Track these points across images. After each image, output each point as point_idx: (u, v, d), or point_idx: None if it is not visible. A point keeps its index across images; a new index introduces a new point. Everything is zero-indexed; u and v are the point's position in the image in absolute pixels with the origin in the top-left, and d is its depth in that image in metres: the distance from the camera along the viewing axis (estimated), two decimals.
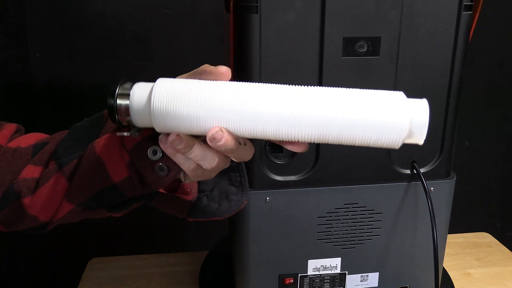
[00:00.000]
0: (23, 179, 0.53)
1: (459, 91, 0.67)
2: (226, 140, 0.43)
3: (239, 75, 0.64)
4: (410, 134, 0.41)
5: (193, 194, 0.56)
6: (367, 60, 0.63)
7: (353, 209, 0.69)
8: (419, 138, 0.42)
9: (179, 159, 0.47)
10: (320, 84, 0.63)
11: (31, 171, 0.54)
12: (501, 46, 1.09)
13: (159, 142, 0.46)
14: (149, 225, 1.16)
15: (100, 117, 0.54)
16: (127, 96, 0.45)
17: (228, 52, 0.65)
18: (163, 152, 0.48)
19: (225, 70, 0.46)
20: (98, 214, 0.57)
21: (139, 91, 0.45)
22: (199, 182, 0.57)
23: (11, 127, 0.59)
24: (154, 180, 0.50)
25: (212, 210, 0.57)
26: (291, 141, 0.44)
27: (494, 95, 1.12)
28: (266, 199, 0.67)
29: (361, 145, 0.42)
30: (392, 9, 0.61)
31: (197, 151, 0.46)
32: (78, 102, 0.98)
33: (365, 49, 0.62)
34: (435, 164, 0.69)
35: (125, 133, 0.47)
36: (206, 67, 0.47)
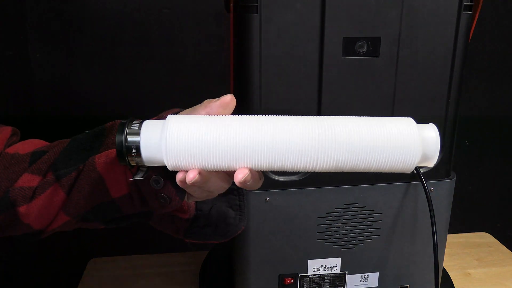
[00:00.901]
0: (19, 188, 0.53)
1: (459, 91, 0.67)
2: (253, 179, 0.44)
3: (239, 75, 0.64)
4: (423, 160, 0.44)
5: (190, 212, 0.56)
6: (367, 60, 0.63)
7: (353, 209, 0.69)
8: (431, 162, 0.44)
9: (192, 190, 0.48)
10: (320, 84, 0.63)
11: (27, 180, 0.53)
12: (501, 46, 1.09)
13: (178, 182, 0.45)
14: (149, 225, 1.15)
15: (101, 131, 0.53)
16: (136, 135, 0.44)
17: (228, 52, 0.65)
18: (165, 182, 0.48)
19: (229, 99, 0.46)
20: (93, 226, 0.57)
21: (150, 131, 0.44)
22: (196, 201, 0.57)
23: (6, 130, 0.59)
24: (157, 207, 0.51)
25: (209, 233, 0.57)
26: (308, 170, 0.44)
27: (494, 95, 1.12)
28: (266, 199, 0.67)
29: (376, 171, 0.44)
30: (392, 9, 0.61)
31: (212, 183, 0.46)
32: (78, 102, 0.98)
33: (365, 49, 0.62)
34: (435, 164, 0.69)
35: (138, 177, 0.47)
36: (209, 102, 0.47)
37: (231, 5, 0.61)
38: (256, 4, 0.59)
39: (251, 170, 0.44)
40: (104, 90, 0.98)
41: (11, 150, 0.56)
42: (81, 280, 0.90)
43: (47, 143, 0.59)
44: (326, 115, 0.64)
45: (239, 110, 0.60)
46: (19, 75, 0.96)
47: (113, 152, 0.50)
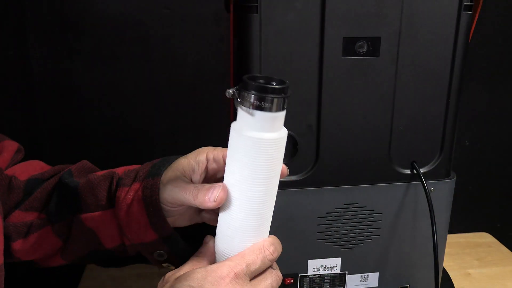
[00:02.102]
0: (13, 224, 0.54)
1: (459, 91, 0.67)
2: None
3: (239, 75, 0.64)
4: None
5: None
6: (367, 60, 0.63)
7: (353, 209, 0.69)
8: None
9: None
10: (320, 84, 0.63)
11: (21, 217, 0.54)
12: (501, 46, 1.09)
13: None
14: None
15: (76, 191, 0.54)
16: None
17: (228, 52, 0.65)
18: (168, 255, 0.50)
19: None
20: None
21: None
22: None
23: (11, 147, 0.60)
24: (152, 261, 0.53)
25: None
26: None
27: (494, 95, 1.12)
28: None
29: None
30: (392, 9, 0.61)
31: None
32: (78, 102, 0.98)
33: (365, 49, 0.62)
34: (435, 164, 0.69)
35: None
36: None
37: (231, 5, 0.61)
38: (256, 4, 0.59)
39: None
40: (104, 90, 0.98)
41: (9, 172, 0.58)
42: (81, 280, 0.91)
43: (45, 165, 0.61)
44: (326, 115, 0.64)
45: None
46: (19, 75, 0.95)
47: (100, 215, 0.52)
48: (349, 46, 0.62)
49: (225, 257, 0.45)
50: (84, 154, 1.01)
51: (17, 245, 0.54)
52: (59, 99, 0.98)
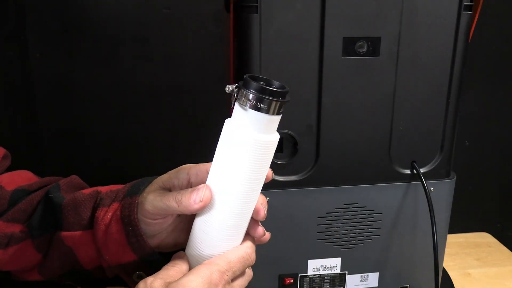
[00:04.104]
0: None
1: (459, 91, 0.67)
2: None
3: (239, 75, 0.64)
4: None
5: None
6: (367, 60, 0.63)
7: (353, 209, 0.69)
8: None
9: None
10: (320, 84, 0.63)
11: (2, 227, 0.54)
12: (501, 46, 1.09)
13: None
14: None
15: (59, 207, 0.53)
16: None
17: (228, 52, 0.65)
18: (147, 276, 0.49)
19: None
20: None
21: None
22: None
23: None
24: (131, 283, 0.52)
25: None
26: None
27: (494, 95, 1.12)
28: (266, 199, 0.67)
29: None
30: (392, 9, 0.61)
31: None
32: (78, 102, 0.98)
33: (365, 49, 0.62)
34: (435, 164, 0.69)
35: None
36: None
37: (231, 5, 0.61)
38: (256, 4, 0.59)
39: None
40: (104, 90, 0.98)
41: None
42: None
43: (33, 176, 0.61)
44: (326, 115, 0.64)
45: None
46: (19, 75, 0.95)
47: (79, 234, 0.51)
48: (349, 46, 0.62)
49: (202, 258, 0.45)
50: (83, 154, 1.02)
51: None
52: (59, 99, 0.98)
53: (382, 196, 0.69)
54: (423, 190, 0.68)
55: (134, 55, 0.97)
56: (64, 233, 0.52)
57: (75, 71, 0.96)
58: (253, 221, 0.47)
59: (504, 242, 1.06)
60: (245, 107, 0.40)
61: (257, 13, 0.59)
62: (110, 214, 0.50)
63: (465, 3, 0.63)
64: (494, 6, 1.04)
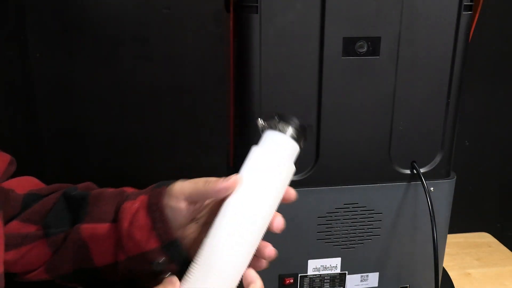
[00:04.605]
0: (9, 234, 0.54)
1: (459, 91, 0.67)
2: None
3: (239, 75, 0.64)
4: None
5: None
6: (367, 60, 0.63)
7: (353, 209, 0.69)
8: None
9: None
10: (320, 84, 0.63)
11: (17, 227, 0.55)
12: (501, 46, 1.09)
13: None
14: None
15: (84, 198, 0.54)
16: None
17: (228, 52, 0.65)
18: (167, 264, 0.49)
19: None
20: (71, 285, 0.58)
21: None
22: None
23: (4, 159, 0.59)
24: (146, 276, 0.51)
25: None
26: None
27: (494, 95, 1.12)
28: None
29: None
30: (392, 9, 0.61)
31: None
32: (78, 102, 0.98)
33: (365, 49, 0.62)
34: (435, 164, 0.69)
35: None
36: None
37: (231, 5, 0.61)
38: (256, 4, 0.59)
39: None
40: (104, 90, 0.98)
41: (6, 185, 0.58)
42: None
43: (39, 182, 0.61)
44: (326, 115, 0.64)
45: (239, 110, 0.60)
46: (19, 75, 0.96)
47: (101, 227, 0.52)
48: (349, 46, 0.62)
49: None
50: (83, 154, 1.02)
51: (9, 255, 0.54)
52: (59, 99, 0.98)
53: (382, 196, 0.69)
54: (423, 190, 0.68)
55: (134, 55, 0.97)
56: (84, 226, 0.52)
57: (75, 71, 0.96)
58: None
59: (504, 242, 1.06)
60: (286, 136, 0.46)
61: (257, 13, 0.59)
62: (137, 204, 0.50)
63: (465, 3, 0.63)
64: (494, 6, 1.04)
